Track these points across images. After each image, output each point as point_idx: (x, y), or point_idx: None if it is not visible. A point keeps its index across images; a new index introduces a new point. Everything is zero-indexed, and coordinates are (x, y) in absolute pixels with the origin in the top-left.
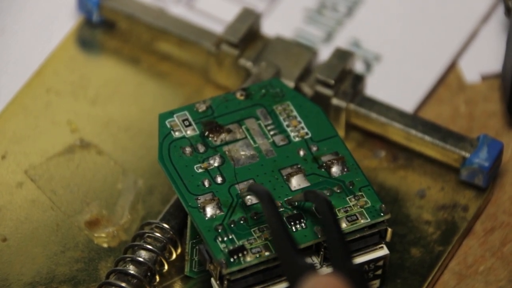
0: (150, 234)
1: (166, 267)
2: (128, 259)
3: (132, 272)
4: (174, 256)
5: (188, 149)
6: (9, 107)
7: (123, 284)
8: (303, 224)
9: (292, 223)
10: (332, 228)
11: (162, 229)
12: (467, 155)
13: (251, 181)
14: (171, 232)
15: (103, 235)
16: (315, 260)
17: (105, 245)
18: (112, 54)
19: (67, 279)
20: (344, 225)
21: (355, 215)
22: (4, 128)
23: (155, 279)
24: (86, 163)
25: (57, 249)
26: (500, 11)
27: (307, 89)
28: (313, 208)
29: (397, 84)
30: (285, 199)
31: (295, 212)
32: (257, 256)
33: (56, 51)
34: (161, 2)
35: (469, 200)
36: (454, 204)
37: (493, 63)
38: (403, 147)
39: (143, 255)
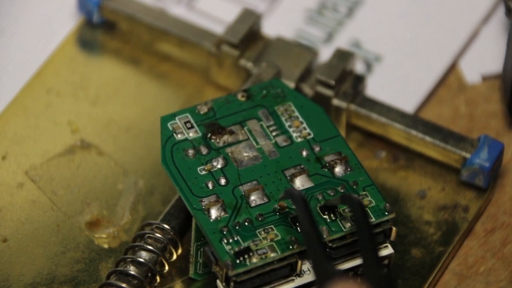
0: (151, 235)
1: (166, 267)
2: (128, 259)
3: (132, 272)
4: (174, 256)
5: (191, 151)
6: (9, 107)
7: (124, 285)
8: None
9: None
10: (365, 233)
11: (162, 230)
12: (468, 155)
13: (254, 182)
14: (172, 233)
15: (104, 235)
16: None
17: (106, 246)
18: (112, 54)
19: (67, 280)
20: (348, 224)
21: None
22: (4, 128)
23: (156, 279)
24: (87, 163)
25: (58, 249)
26: (501, 11)
27: (307, 89)
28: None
29: (397, 84)
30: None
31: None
32: (263, 257)
33: (57, 51)
34: (162, 2)
35: (469, 201)
36: (454, 205)
37: (494, 64)
38: (404, 147)
39: (143, 256)
